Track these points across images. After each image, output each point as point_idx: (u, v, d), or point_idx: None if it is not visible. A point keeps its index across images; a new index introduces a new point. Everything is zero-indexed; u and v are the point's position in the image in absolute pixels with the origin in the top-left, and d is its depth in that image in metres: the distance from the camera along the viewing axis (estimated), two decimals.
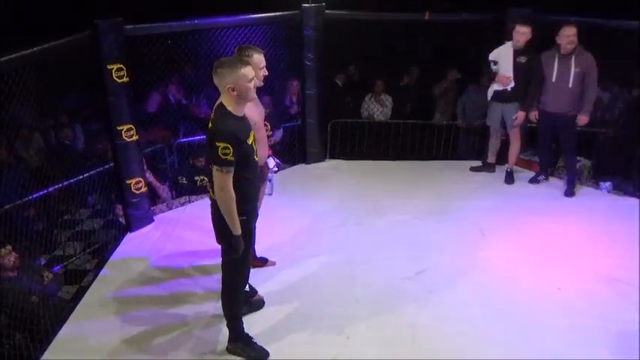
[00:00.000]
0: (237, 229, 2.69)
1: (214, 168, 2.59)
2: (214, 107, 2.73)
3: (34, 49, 3.25)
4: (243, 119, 2.72)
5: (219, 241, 2.81)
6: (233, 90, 2.61)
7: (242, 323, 3.00)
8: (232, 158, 2.56)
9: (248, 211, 2.78)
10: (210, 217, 2.81)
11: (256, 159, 2.81)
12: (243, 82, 2.61)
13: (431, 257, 3.91)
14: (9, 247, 3.44)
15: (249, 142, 2.71)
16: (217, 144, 2.53)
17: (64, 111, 5.09)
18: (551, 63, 4.66)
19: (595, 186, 5.15)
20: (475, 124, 6.06)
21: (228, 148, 2.53)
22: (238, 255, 2.75)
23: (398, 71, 6.98)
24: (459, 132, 6.26)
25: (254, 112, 3.12)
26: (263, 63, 3.10)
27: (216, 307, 3.25)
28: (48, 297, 3.51)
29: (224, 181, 2.59)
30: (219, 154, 2.54)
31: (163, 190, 5.00)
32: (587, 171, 5.43)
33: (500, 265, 3.84)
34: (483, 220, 4.44)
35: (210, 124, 2.67)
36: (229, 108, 2.65)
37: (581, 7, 5.00)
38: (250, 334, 3.03)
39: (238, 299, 2.97)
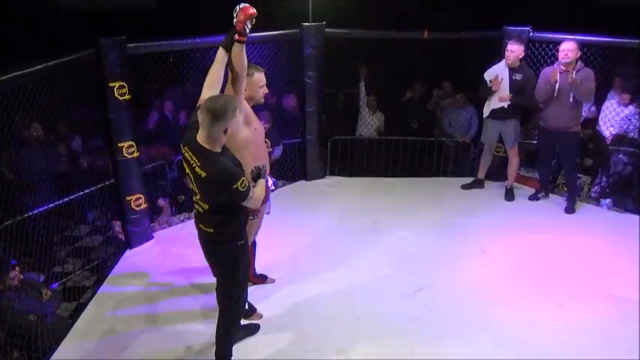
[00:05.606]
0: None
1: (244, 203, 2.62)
2: (194, 151, 2.53)
3: (38, 67, 3.28)
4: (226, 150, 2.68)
5: (215, 273, 2.85)
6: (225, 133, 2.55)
7: (231, 355, 2.97)
8: (248, 183, 2.59)
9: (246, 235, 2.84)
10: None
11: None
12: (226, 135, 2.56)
13: (431, 274, 3.89)
14: (17, 269, 3.44)
15: None
16: (234, 187, 2.49)
17: (68, 127, 5.11)
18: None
19: (595, 202, 5.16)
20: (467, 141, 6.09)
21: (244, 181, 2.53)
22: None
23: (401, 87, 6.96)
24: (458, 148, 6.27)
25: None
26: (263, 81, 3.11)
27: (214, 326, 3.22)
28: (46, 314, 3.48)
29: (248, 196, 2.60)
30: (241, 191, 2.52)
31: (167, 209, 5.01)
32: (587, 187, 5.43)
33: (501, 282, 3.82)
34: (483, 237, 4.43)
35: (202, 172, 2.51)
36: (215, 148, 2.52)
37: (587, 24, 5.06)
38: (248, 352, 2.99)
39: (234, 336, 2.99)
